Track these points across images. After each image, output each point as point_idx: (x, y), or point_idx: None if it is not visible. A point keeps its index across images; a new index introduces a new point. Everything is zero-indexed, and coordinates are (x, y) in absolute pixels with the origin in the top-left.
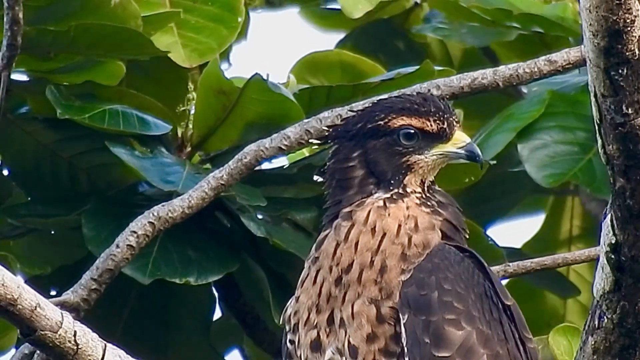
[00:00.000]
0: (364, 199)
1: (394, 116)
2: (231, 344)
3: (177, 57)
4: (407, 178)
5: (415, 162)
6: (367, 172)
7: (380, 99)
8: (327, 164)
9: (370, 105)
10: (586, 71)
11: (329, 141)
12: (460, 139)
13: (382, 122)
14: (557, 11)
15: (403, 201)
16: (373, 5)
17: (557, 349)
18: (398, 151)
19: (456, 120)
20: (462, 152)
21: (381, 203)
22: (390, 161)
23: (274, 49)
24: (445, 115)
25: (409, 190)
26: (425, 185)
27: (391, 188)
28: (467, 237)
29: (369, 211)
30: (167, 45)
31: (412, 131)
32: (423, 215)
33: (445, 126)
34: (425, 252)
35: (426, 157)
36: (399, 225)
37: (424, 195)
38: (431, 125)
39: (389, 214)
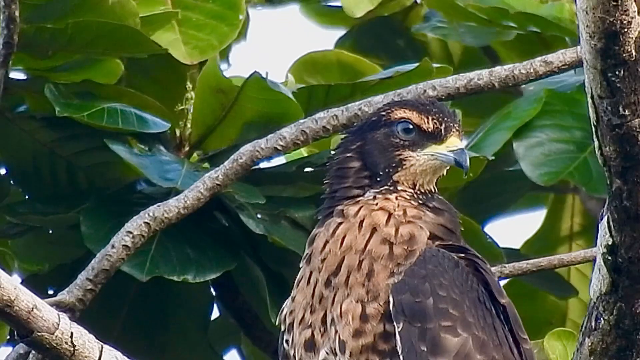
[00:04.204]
0: (358, 197)
1: (396, 108)
2: (229, 344)
3: (178, 54)
4: (397, 174)
5: (407, 157)
6: (362, 164)
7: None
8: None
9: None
10: (582, 71)
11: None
12: (454, 143)
13: (384, 113)
14: (554, 11)
15: (391, 195)
16: (374, 5)
17: (552, 353)
18: (394, 143)
19: (456, 126)
20: (451, 156)
21: (371, 197)
22: (384, 153)
23: (273, 48)
24: (445, 118)
25: (399, 188)
26: (418, 187)
27: (381, 182)
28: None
29: (360, 207)
30: (169, 43)
31: (410, 126)
32: (412, 208)
33: (441, 127)
34: (414, 251)
35: (418, 155)
36: (389, 215)
37: (415, 196)
38: (428, 123)
39: (377, 205)
